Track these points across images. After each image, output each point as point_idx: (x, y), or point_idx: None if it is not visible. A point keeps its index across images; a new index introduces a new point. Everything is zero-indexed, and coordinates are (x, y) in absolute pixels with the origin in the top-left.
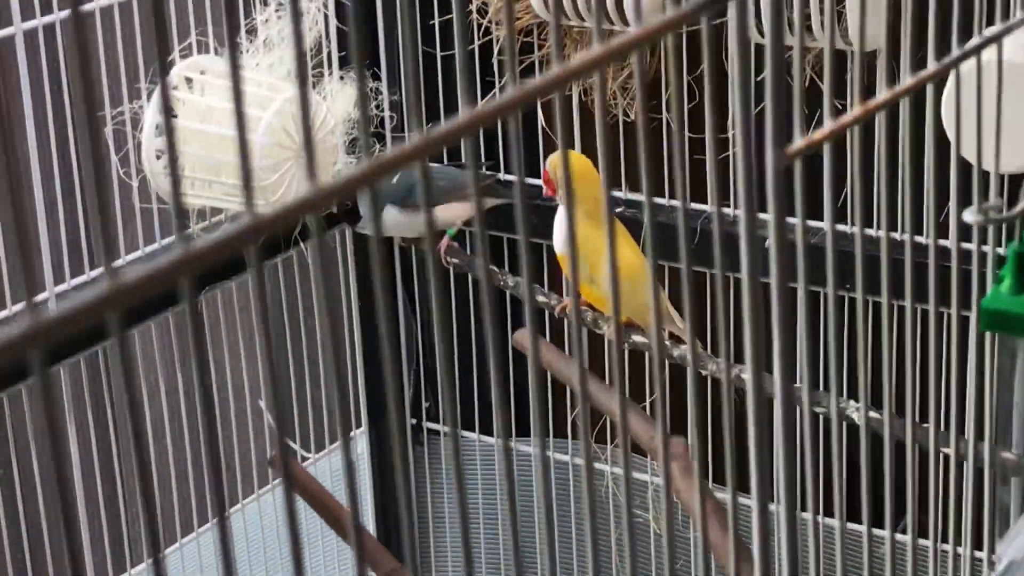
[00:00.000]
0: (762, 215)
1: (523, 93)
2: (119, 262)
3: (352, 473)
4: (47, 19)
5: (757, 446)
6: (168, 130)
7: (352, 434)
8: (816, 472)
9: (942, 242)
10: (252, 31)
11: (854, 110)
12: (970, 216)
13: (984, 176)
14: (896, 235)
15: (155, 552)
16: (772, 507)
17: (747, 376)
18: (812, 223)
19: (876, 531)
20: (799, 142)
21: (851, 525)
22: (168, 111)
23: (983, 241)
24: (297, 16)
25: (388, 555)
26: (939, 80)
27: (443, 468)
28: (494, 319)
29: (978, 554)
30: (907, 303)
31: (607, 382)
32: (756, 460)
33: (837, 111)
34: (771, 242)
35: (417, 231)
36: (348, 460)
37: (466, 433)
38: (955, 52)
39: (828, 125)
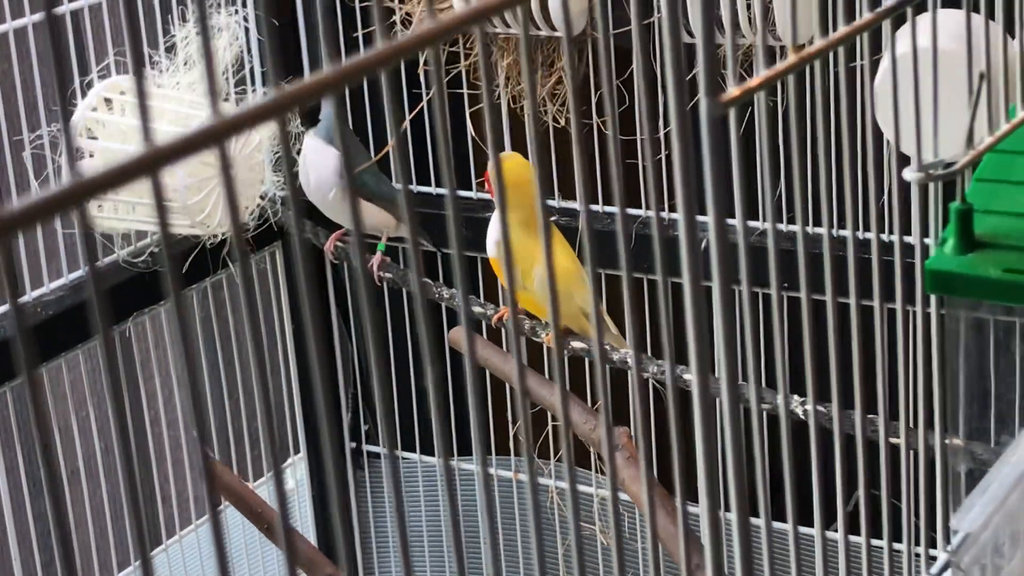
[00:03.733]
0: (700, 217)
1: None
2: (43, 289)
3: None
4: None
5: (705, 447)
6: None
7: (289, 461)
8: (765, 473)
9: (882, 236)
10: (172, 49)
11: (788, 58)
12: (910, 174)
13: (918, 130)
14: (835, 231)
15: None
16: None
17: (691, 377)
18: (751, 223)
19: (829, 534)
20: (733, 90)
21: (803, 529)
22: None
23: (924, 200)
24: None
25: (325, 559)
26: (873, 32)
27: (385, 492)
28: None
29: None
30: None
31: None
32: (704, 463)
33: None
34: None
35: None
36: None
37: (407, 454)
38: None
39: (762, 73)
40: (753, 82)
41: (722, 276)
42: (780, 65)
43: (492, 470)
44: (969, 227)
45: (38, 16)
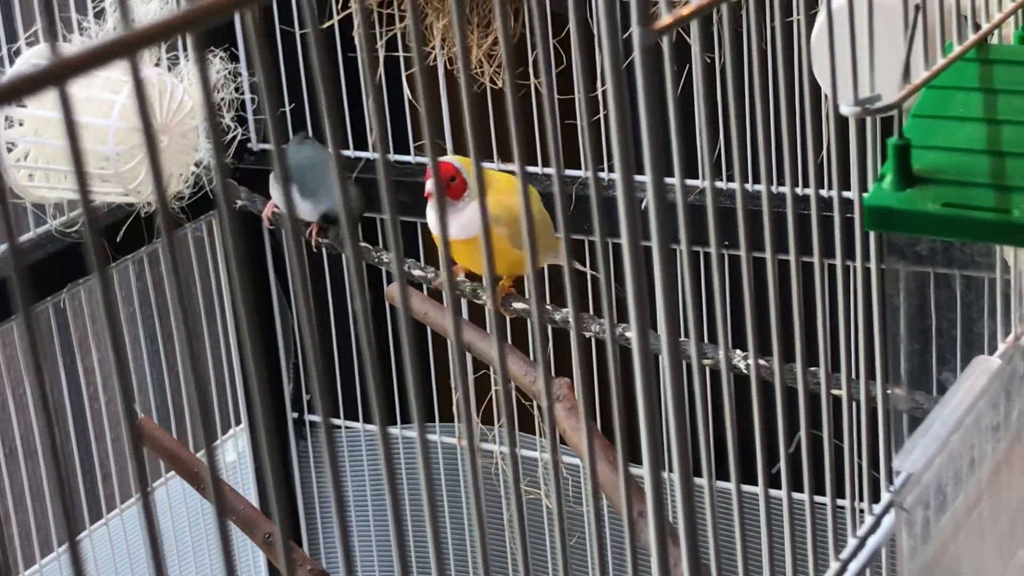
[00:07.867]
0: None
1: None
2: None
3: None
4: None
5: (645, 403)
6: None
7: (231, 432)
8: (708, 430)
9: (822, 192)
10: (101, 15)
11: None
12: (846, 108)
13: (854, 66)
14: (774, 188)
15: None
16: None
17: (631, 334)
18: (690, 182)
19: (772, 491)
20: (666, 17)
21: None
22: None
23: (861, 134)
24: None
25: (264, 518)
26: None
27: (325, 461)
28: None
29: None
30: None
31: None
32: (645, 419)
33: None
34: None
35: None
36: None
37: (350, 423)
38: None
39: (695, 1)
40: (685, 9)
41: (660, 233)
42: None
43: (435, 437)
44: (907, 162)
45: None
